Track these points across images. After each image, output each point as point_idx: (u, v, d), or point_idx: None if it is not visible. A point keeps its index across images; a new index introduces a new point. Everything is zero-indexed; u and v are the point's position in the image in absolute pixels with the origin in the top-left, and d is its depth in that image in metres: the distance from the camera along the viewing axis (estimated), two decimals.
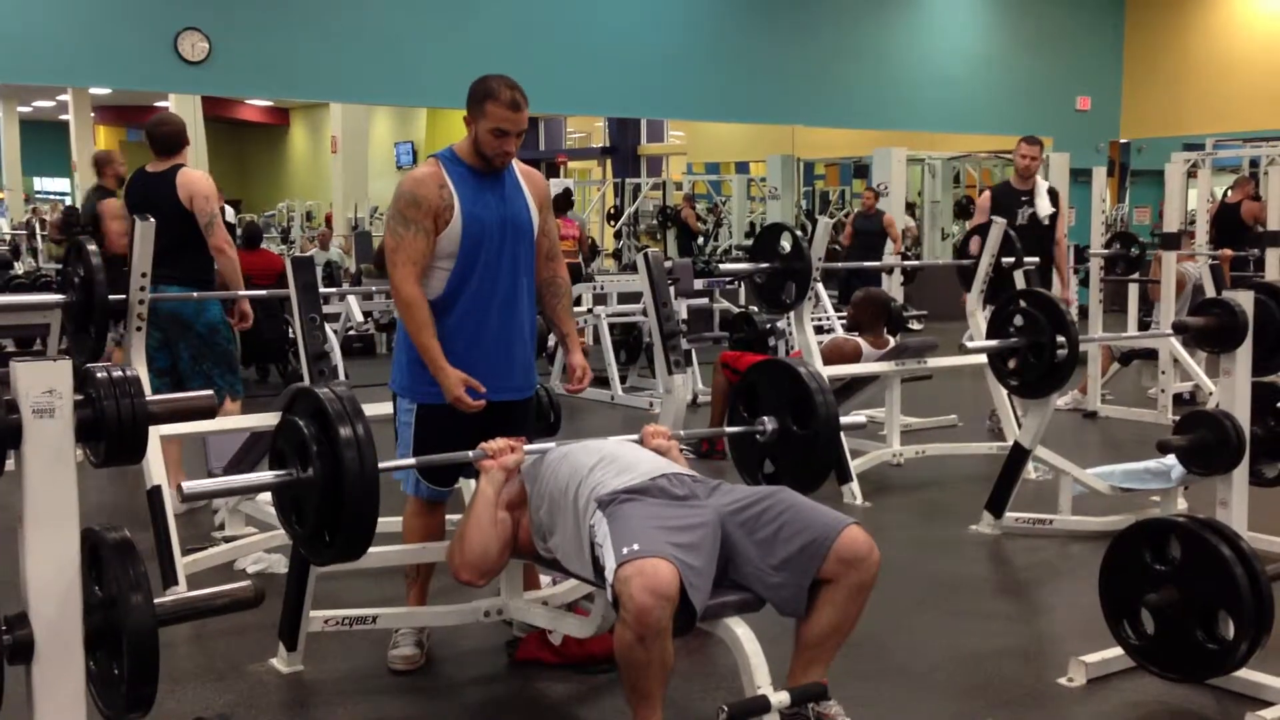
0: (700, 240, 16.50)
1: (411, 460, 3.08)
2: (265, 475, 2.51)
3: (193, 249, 4.83)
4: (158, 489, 3.85)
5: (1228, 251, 8.25)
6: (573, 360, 3.41)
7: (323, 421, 2.42)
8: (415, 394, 3.24)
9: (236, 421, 4.32)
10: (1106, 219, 9.21)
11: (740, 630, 2.63)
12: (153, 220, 4.14)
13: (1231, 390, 3.48)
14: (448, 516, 3.52)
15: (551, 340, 8.81)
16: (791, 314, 5.59)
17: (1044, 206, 6.84)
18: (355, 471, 2.36)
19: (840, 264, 10.93)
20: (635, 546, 2.51)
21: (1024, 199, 6.76)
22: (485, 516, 2.91)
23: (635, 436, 3.09)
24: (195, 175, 4.96)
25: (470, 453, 2.96)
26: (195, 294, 4.81)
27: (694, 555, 2.56)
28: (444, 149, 3.28)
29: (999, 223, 6.24)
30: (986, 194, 6.56)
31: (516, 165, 3.31)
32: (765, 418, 3.23)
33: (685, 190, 18.29)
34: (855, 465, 5.38)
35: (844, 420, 3.33)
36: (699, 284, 9.25)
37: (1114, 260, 7.85)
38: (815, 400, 3.12)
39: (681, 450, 3.19)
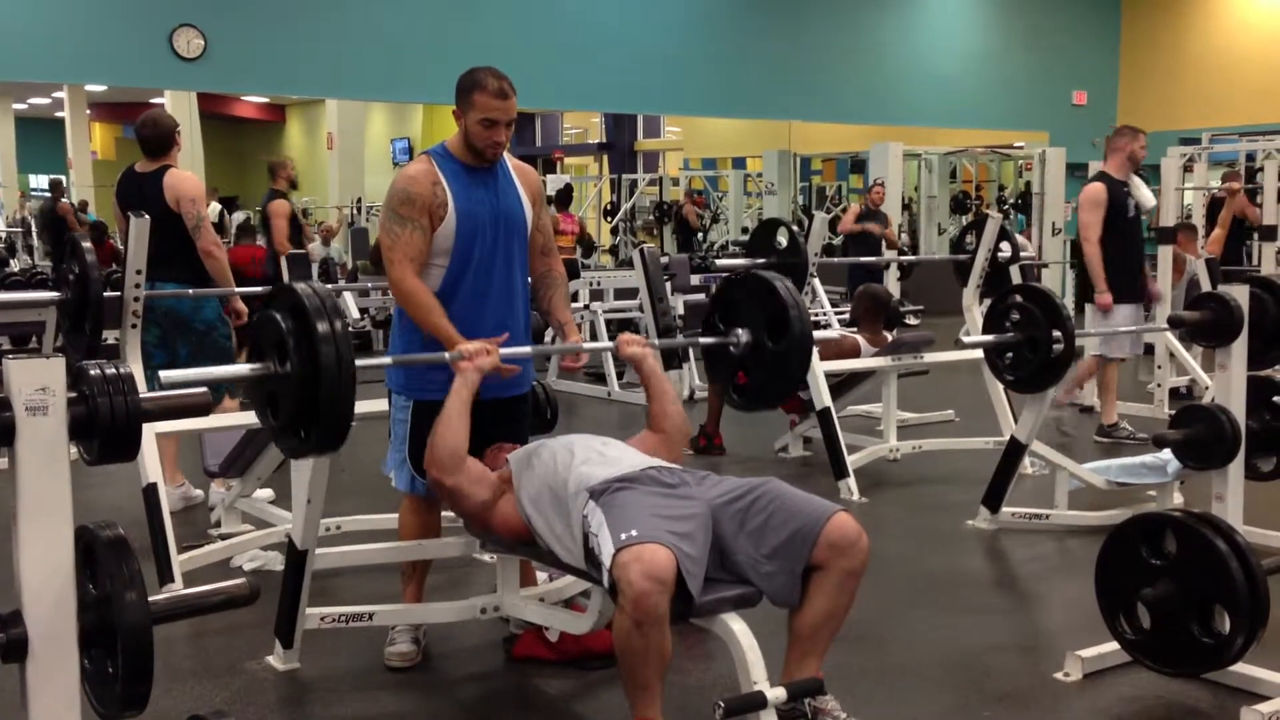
0: (700, 236, 16.48)
1: (388, 359, 3.11)
2: (242, 368, 2.52)
3: (186, 248, 4.83)
4: (153, 486, 3.85)
5: (1218, 231, 8.24)
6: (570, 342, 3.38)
7: (300, 317, 2.44)
8: (411, 391, 3.24)
9: (232, 419, 4.32)
10: None
11: (736, 626, 2.63)
12: (147, 218, 4.14)
13: (1227, 384, 3.48)
14: (444, 513, 3.52)
15: (548, 336, 8.83)
16: None
17: (1148, 196, 6.60)
18: (332, 366, 2.38)
19: (837, 259, 10.92)
20: (633, 532, 2.52)
21: (1125, 190, 6.42)
22: (456, 415, 2.94)
23: (624, 442, 3.09)
24: (182, 176, 4.94)
25: (446, 354, 2.99)
26: (190, 291, 4.81)
27: (689, 543, 2.57)
28: (436, 145, 3.28)
29: (995, 218, 6.25)
30: (1100, 185, 6.26)
31: (509, 160, 3.31)
32: (739, 330, 3.24)
33: (683, 186, 18.26)
34: (852, 460, 5.38)
35: (818, 335, 3.35)
36: (695, 279, 9.25)
37: None
38: (790, 316, 3.15)
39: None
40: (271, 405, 2.51)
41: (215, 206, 12.52)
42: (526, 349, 3.19)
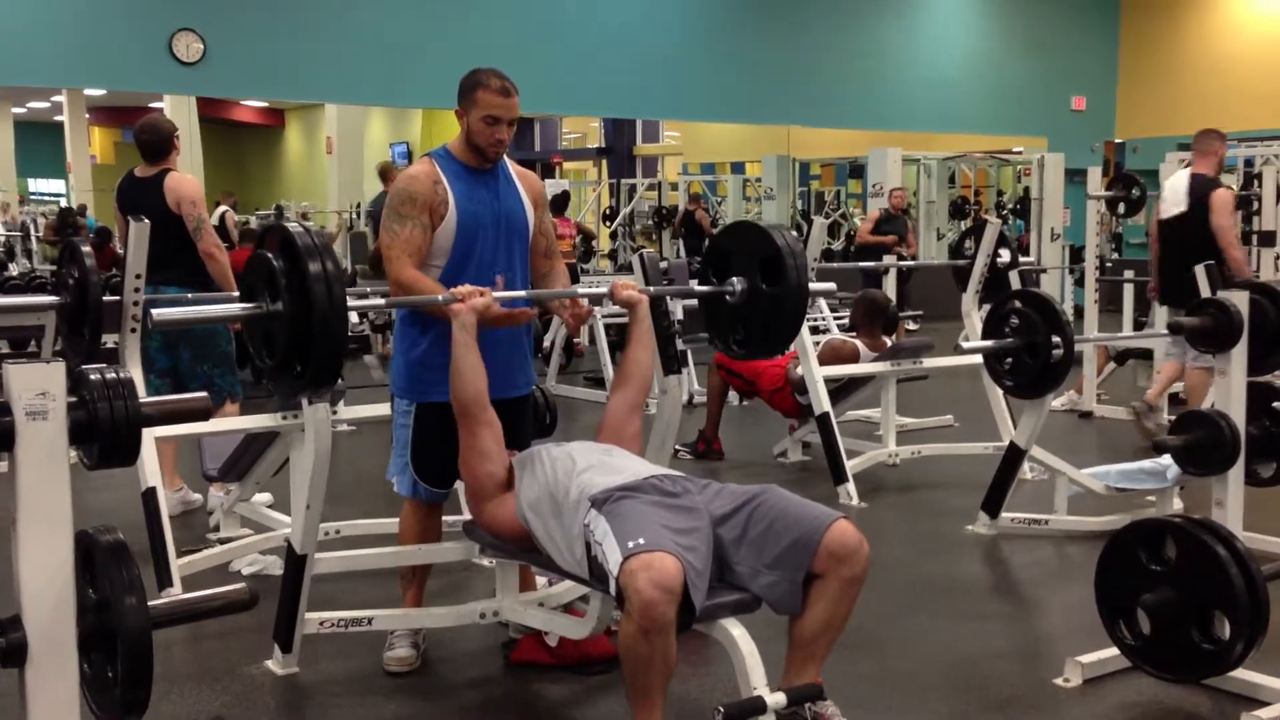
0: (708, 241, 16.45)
1: (380, 300, 3.15)
2: (234, 307, 2.55)
3: (187, 251, 4.84)
4: (152, 490, 3.84)
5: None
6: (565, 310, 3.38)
7: (291, 255, 2.45)
8: (414, 394, 3.24)
9: (231, 423, 4.31)
10: (1101, 218, 9.19)
11: (736, 631, 2.63)
12: (147, 222, 4.15)
13: (1226, 390, 3.48)
14: (445, 518, 3.52)
15: (548, 341, 8.84)
16: None
17: None
18: (324, 303, 2.41)
19: (837, 264, 10.90)
20: (641, 541, 2.51)
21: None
22: (467, 362, 2.96)
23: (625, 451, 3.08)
24: (182, 179, 4.96)
25: (439, 295, 2.99)
26: (190, 294, 4.81)
27: (693, 554, 2.56)
28: (438, 147, 3.28)
29: (994, 223, 6.25)
30: (1226, 191, 6.29)
31: (510, 165, 3.31)
32: (735, 278, 3.26)
33: (682, 191, 18.26)
34: (851, 466, 5.38)
35: (814, 287, 3.36)
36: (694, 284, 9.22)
37: (1114, 202, 7.79)
38: (784, 258, 3.17)
39: (677, 452, 3.20)
40: (267, 343, 2.53)
41: (228, 210, 12.51)
42: (521, 292, 3.18)
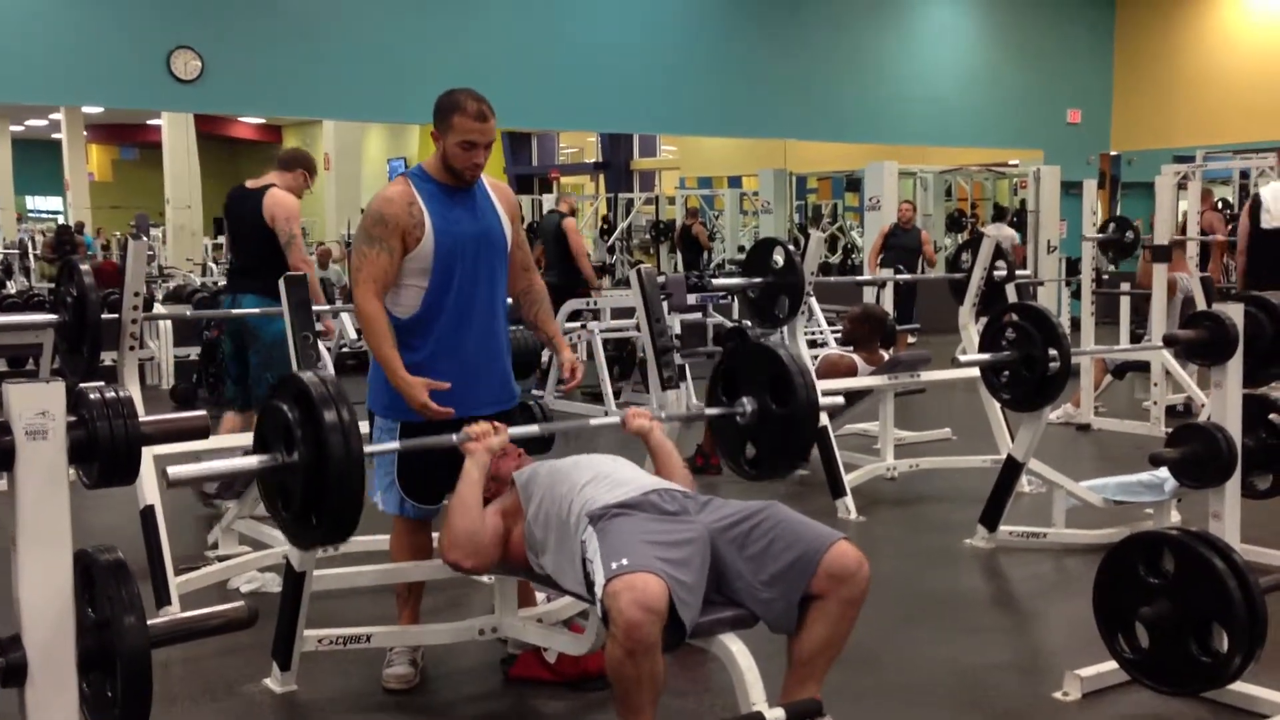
0: (707, 254, 16.48)
1: (395, 444, 3.08)
2: (250, 460, 2.52)
3: (273, 262, 4.93)
4: (151, 509, 3.84)
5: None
6: (563, 357, 3.37)
7: (306, 405, 2.43)
8: (397, 412, 3.20)
9: (231, 440, 4.32)
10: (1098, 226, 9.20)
11: (734, 646, 2.63)
12: (145, 240, 4.19)
13: (1223, 403, 3.49)
14: (434, 535, 3.52)
15: (546, 355, 8.82)
16: (785, 328, 5.60)
17: None
18: (340, 455, 2.38)
19: (835, 278, 10.90)
20: (624, 561, 2.51)
21: None
22: (470, 498, 2.92)
23: (623, 461, 3.09)
24: (282, 195, 5.16)
25: (454, 436, 2.97)
26: (258, 309, 4.97)
27: (684, 570, 2.56)
28: (414, 167, 3.28)
29: (990, 237, 6.26)
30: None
31: (485, 179, 3.31)
32: (744, 398, 3.24)
33: (679, 205, 18.30)
34: (849, 479, 5.38)
35: (823, 401, 3.35)
36: (692, 299, 9.25)
37: (1106, 245, 7.81)
38: (793, 378, 3.15)
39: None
40: (283, 496, 2.51)
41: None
42: (534, 428, 3.15)
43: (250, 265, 4.73)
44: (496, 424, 3.01)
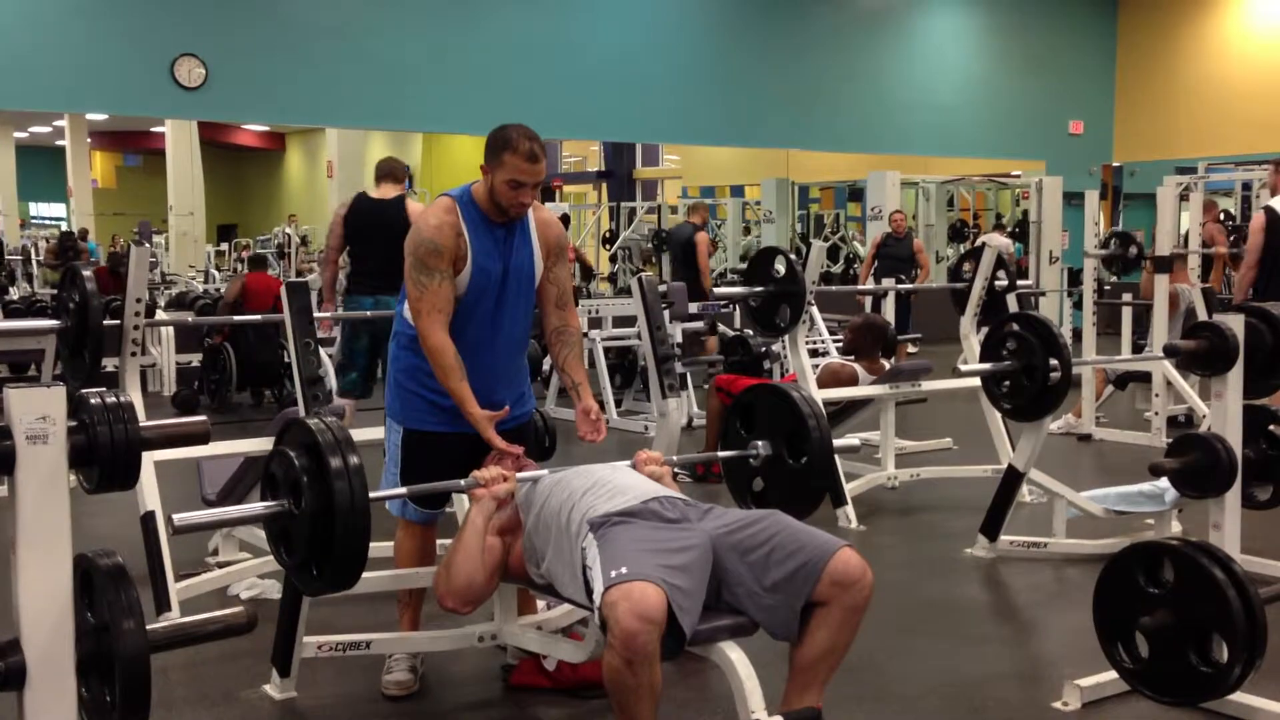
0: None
1: (402, 490, 3.07)
2: (256, 507, 2.52)
3: (402, 267, 5.15)
4: (151, 514, 3.84)
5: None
6: (586, 405, 3.31)
7: (314, 453, 2.42)
8: (404, 419, 3.24)
9: (230, 447, 4.32)
10: (1100, 241, 9.21)
11: (734, 654, 2.62)
12: (148, 247, 4.21)
13: (1223, 413, 3.49)
14: (439, 541, 3.52)
15: (547, 364, 8.83)
16: (786, 337, 5.60)
17: None
18: (346, 505, 2.36)
19: (836, 287, 10.91)
20: (623, 570, 2.51)
21: None
22: (474, 545, 2.92)
23: (629, 462, 3.09)
24: (420, 206, 5.55)
25: (462, 481, 2.97)
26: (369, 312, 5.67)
27: (683, 578, 2.55)
28: (461, 188, 3.24)
29: (991, 246, 6.27)
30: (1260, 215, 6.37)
31: (535, 213, 3.28)
32: (759, 442, 3.23)
33: (681, 215, 18.30)
34: (850, 488, 5.38)
35: (838, 444, 3.32)
36: (693, 307, 9.26)
37: (1110, 261, 7.81)
38: (809, 429, 3.13)
39: (676, 475, 3.19)
40: (287, 542, 2.51)
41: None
42: (544, 471, 3.13)
43: (393, 269, 4.90)
44: (506, 471, 3.00)
